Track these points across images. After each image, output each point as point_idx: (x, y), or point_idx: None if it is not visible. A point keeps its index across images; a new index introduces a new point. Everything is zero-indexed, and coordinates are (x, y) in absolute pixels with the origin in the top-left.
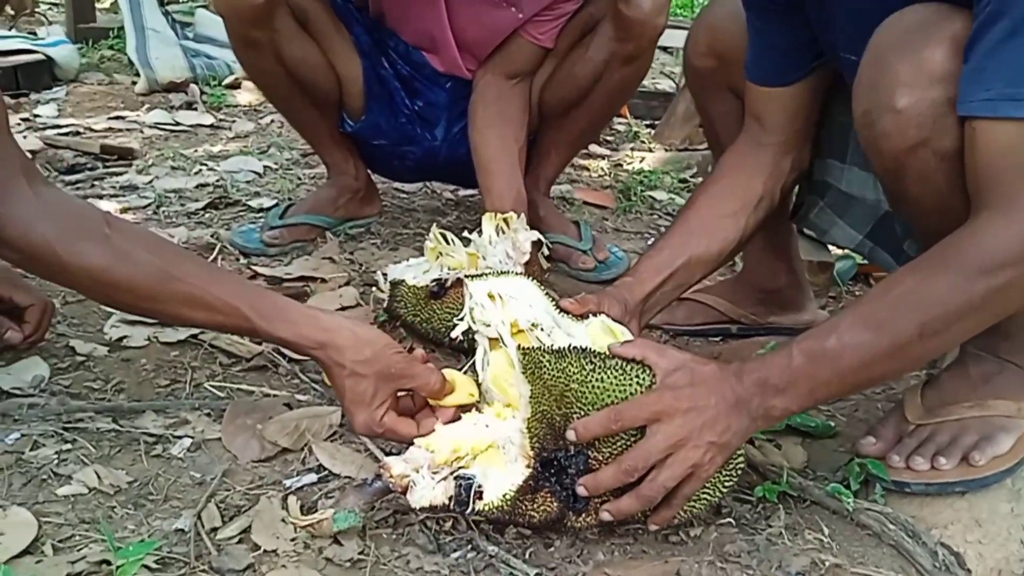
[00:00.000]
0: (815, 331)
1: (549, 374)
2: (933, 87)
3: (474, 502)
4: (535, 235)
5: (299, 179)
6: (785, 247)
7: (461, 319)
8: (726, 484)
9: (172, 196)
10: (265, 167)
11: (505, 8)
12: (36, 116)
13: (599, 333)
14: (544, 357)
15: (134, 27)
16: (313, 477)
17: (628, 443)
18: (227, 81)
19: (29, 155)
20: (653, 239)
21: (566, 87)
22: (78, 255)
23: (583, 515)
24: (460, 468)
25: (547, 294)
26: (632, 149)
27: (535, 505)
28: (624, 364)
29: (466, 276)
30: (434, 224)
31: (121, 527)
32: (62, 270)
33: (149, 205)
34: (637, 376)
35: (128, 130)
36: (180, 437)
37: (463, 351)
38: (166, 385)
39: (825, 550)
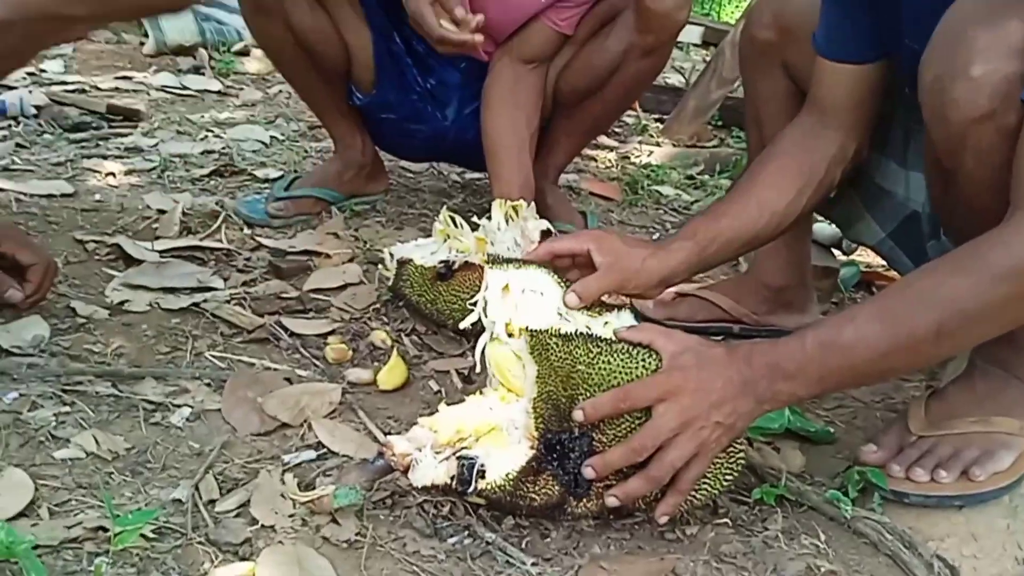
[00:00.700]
0: (831, 319)
1: (556, 356)
2: (1011, 60)
3: (476, 482)
4: (544, 224)
5: (306, 152)
6: (799, 246)
7: (473, 307)
8: (727, 477)
9: (177, 161)
10: (272, 137)
11: None
12: (42, 71)
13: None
14: (551, 340)
15: None
16: (312, 454)
17: (632, 427)
18: (236, 48)
19: (35, 110)
20: (669, 230)
21: (583, 76)
22: None
23: (584, 500)
24: (463, 448)
25: (564, 283)
26: (640, 142)
27: (536, 487)
28: (631, 348)
29: (487, 261)
30: (443, 206)
31: (118, 494)
32: None
33: (154, 169)
34: (643, 359)
35: (135, 91)
36: (179, 406)
37: (466, 335)
38: (167, 352)
39: (821, 556)
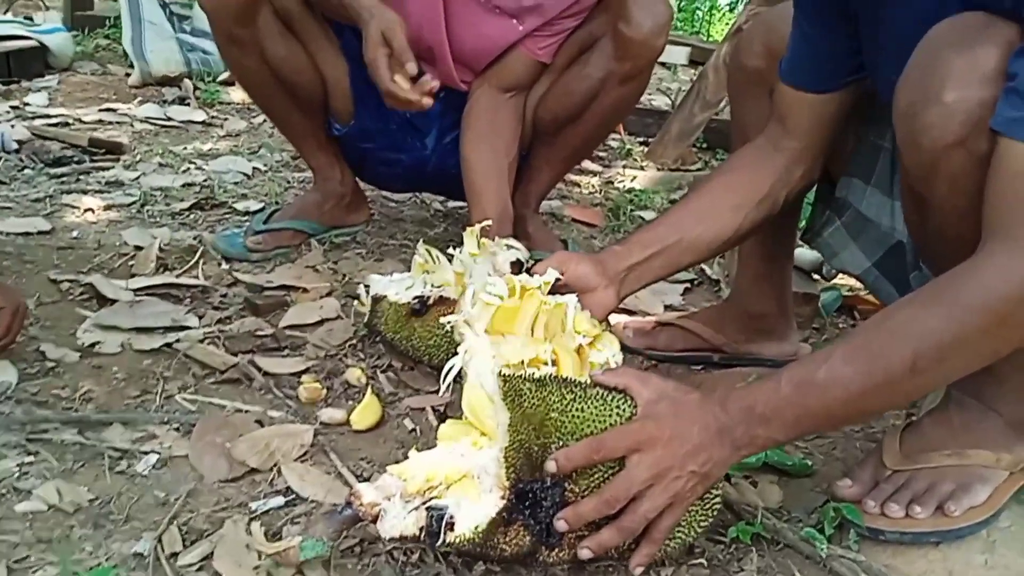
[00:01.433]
0: (806, 360)
1: (529, 402)
2: (984, 86)
3: (445, 533)
4: (516, 254)
5: (288, 182)
6: (780, 275)
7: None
8: (702, 524)
9: (158, 194)
10: (254, 168)
11: (506, 19)
12: (26, 104)
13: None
14: (525, 385)
15: (131, 18)
16: (280, 500)
17: (605, 477)
18: (222, 77)
19: (16, 145)
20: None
21: (561, 103)
22: None
23: (556, 550)
24: (432, 498)
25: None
26: (624, 167)
27: (507, 538)
28: (605, 394)
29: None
30: (421, 240)
31: (79, 548)
32: None
33: (134, 203)
34: (618, 406)
35: (118, 123)
36: (146, 452)
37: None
38: (136, 396)
39: None
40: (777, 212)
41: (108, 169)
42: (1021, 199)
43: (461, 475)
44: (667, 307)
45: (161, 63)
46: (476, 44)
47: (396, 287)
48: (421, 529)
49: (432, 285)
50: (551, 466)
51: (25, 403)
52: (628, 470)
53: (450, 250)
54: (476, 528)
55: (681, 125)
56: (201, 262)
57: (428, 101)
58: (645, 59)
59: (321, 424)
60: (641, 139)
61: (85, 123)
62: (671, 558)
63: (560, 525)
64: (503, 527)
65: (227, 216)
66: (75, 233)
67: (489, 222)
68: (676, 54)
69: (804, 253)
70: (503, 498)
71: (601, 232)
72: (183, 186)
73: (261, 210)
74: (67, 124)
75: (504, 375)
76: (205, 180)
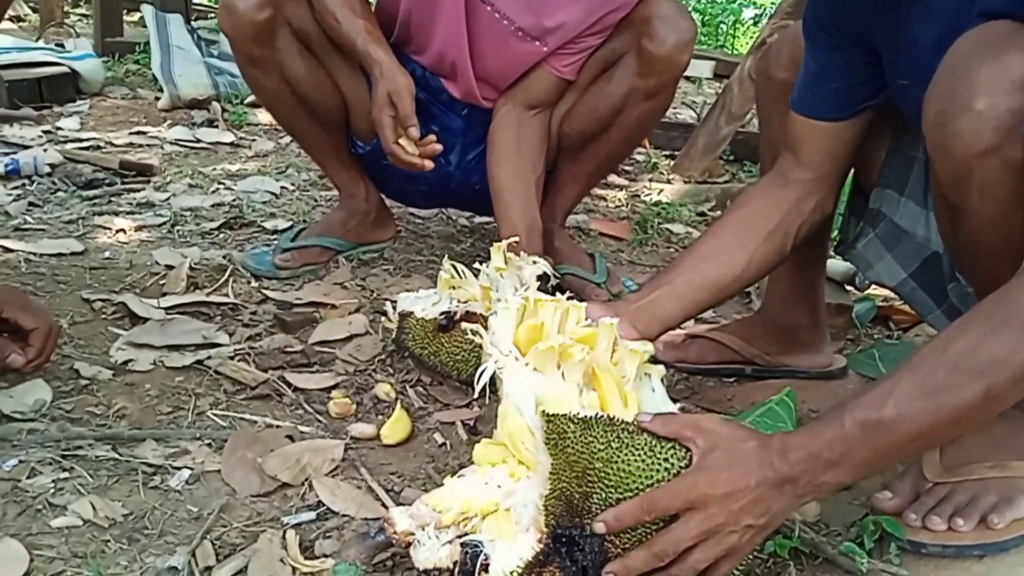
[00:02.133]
0: (868, 398)
1: (572, 448)
2: (1014, 93)
3: (480, 573)
4: (540, 268)
5: (315, 201)
6: (812, 287)
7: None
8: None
9: (188, 215)
10: (282, 188)
11: (530, 42)
12: (58, 129)
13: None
14: (569, 427)
15: (160, 44)
16: (312, 515)
17: (650, 531)
18: (249, 99)
19: (49, 168)
20: None
21: (586, 119)
22: None
23: None
24: (467, 531)
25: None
26: (650, 180)
27: None
28: (653, 443)
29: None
30: (446, 256)
31: (113, 563)
32: None
33: (164, 223)
34: (666, 459)
35: (149, 146)
36: (179, 468)
37: (471, 384)
38: (168, 412)
39: None
40: (790, 247)
41: (139, 191)
42: None
43: (496, 506)
44: (698, 319)
45: (189, 87)
46: (499, 64)
47: (423, 303)
48: (455, 563)
49: (458, 301)
50: (600, 528)
51: (60, 420)
52: (680, 524)
53: (476, 265)
54: (511, 571)
55: (707, 138)
56: (231, 280)
57: (429, 164)
58: (669, 75)
59: (351, 439)
60: (667, 152)
61: (116, 146)
62: None
63: None
64: (538, 569)
65: (256, 235)
66: (107, 253)
67: (517, 238)
68: (701, 68)
69: (836, 264)
70: (540, 541)
71: (628, 245)
72: (212, 206)
73: (289, 228)
74: (98, 147)
75: (548, 415)
76: (234, 200)
